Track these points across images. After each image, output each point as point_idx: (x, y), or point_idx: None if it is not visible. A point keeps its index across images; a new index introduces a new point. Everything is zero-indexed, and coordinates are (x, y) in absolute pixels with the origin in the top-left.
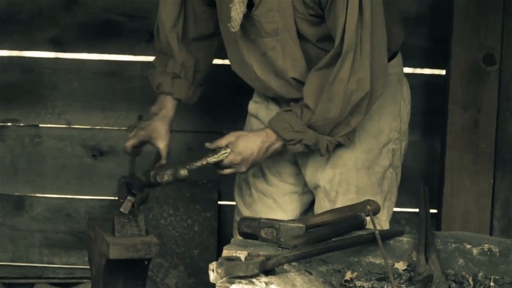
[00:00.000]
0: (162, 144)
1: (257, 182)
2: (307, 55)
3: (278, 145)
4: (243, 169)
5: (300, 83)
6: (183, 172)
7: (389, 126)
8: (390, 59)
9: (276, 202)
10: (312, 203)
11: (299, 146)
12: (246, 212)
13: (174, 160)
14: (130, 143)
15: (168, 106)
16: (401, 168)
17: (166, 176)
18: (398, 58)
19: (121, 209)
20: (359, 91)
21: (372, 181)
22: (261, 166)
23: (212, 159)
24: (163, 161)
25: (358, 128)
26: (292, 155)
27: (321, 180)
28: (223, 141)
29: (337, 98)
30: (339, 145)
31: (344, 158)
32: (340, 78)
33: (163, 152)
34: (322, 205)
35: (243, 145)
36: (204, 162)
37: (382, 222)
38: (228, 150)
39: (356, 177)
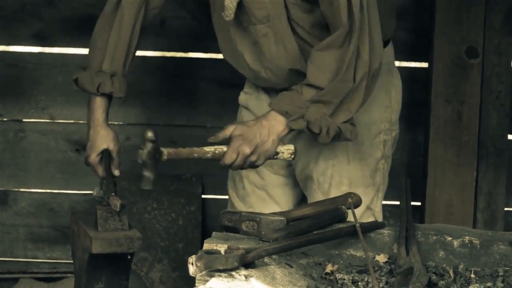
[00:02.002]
0: (110, 146)
1: (250, 175)
2: (301, 42)
3: (281, 126)
4: (247, 150)
5: (293, 71)
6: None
7: (380, 117)
8: None
9: (269, 195)
10: (304, 196)
11: (302, 122)
12: (239, 205)
13: None
14: (101, 173)
15: (97, 110)
16: (391, 157)
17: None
18: (388, 49)
19: (114, 207)
20: (361, 71)
21: (365, 173)
22: None
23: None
24: (116, 161)
25: None
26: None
27: (314, 172)
28: (226, 132)
29: (351, 78)
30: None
31: (335, 150)
32: (353, 57)
33: (113, 153)
34: (316, 197)
35: (244, 128)
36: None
37: (377, 213)
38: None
39: (348, 169)
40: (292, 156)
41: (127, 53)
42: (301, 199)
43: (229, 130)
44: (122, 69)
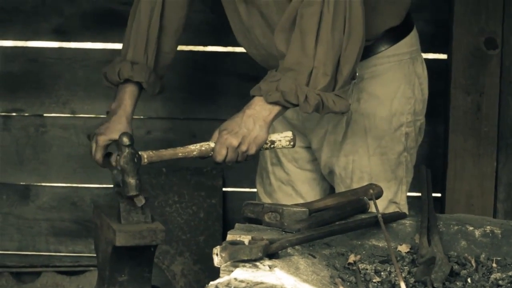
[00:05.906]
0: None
1: (276, 171)
2: None
3: (266, 111)
4: (234, 142)
5: None
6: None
7: (401, 109)
8: (401, 37)
9: (295, 190)
10: (331, 189)
11: (276, 94)
12: (267, 201)
13: (178, 146)
14: (98, 156)
15: (126, 101)
16: (417, 147)
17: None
18: (412, 37)
19: (138, 204)
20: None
21: (386, 168)
22: (277, 153)
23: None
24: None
25: (369, 113)
26: (305, 140)
27: (335, 166)
28: (214, 134)
29: (312, 45)
30: (350, 133)
31: (356, 145)
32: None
33: None
34: (340, 191)
35: (228, 122)
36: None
37: (402, 206)
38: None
39: (369, 164)
40: (291, 143)
41: (147, 42)
42: (328, 194)
43: (216, 130)
44: (143, 58)
